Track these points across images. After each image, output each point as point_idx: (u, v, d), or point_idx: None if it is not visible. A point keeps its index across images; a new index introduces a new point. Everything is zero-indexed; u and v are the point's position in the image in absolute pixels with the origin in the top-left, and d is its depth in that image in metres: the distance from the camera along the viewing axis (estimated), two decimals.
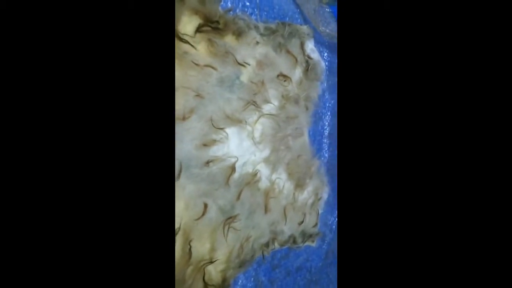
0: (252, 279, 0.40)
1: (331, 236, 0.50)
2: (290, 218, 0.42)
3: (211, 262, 0.34)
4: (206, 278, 0.33)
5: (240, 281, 0.38)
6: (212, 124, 0.33)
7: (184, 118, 0.31)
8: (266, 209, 0.38)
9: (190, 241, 0.32)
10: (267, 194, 0.39)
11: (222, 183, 0.34)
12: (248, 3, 0.39)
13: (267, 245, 0.39)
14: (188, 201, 0.32)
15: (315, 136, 0.48)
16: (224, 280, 0.35)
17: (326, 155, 0.49)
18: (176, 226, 0.32)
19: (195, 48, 0.32)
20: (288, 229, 0.42)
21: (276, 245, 0.41)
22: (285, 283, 0.43)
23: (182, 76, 0.31)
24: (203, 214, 0.33)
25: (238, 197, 0.35)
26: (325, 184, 0.47)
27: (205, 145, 0.33)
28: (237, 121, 0.35)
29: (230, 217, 0.35)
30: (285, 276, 0.44)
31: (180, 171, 0.31)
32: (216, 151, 0.34)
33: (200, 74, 0.32)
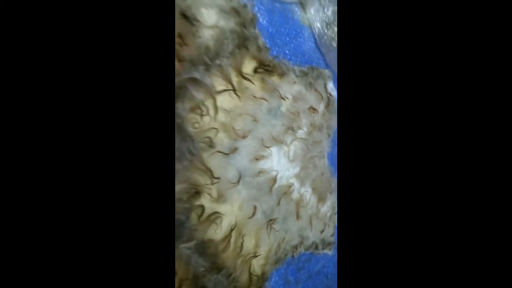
0: (283, 277, 0.46)
1: None
2: (315, 226, 0.49)
3: (255, 256, 0.41)
4: (251, 269, 0.40)
5: (273, 278, 0.45)
6: (262, 143, 0.42)
7: (244, 137, 0.40)
8: (297, 216, 0.46)
9: (243, 235, 0.39)
10: (298, 203, 0.47)
11: (267, 191, 0.42)
12: (287, 51, 0.50)
13: (296, 247, 0.47)
14: (242, 204, 0.40)
15: (332, 159, 0.57)
16: (263, 273, 0.42)
17: None
18: (232, 223, 0.39)
19: (254, 84, 0.42)
20: (312, 235, 0.49)
21: (302, 249, 0.48)
22: (307, 285, 0.50)
23: (244, 104, 0.41)
24: (253, 214, 0.40)
25: (278, 204, 0.43)
26: None
27: (256, 159, 0.41)
28: (279, 142, 0.44)
29: (271, 220, 0.42)
30: (307, 278, 0.50)
31: (239, 178, 0.39)
32: (263, 164, 0.42)
33: (256, 104, 0.42)
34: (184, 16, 0.35)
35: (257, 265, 0.42)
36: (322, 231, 0.51)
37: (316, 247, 0.50)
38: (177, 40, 0.34)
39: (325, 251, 0.52)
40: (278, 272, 0.46)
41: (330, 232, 0.53)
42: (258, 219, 0.41)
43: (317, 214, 0.50)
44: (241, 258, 0.39)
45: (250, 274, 0.40)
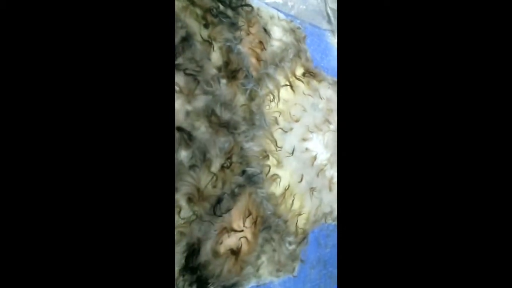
0: (316, 239, 0.57)
1: None
2: None
3: (300, 214, 0.52)
4: (297, 223, 0.51)
5: (310, 238, 0.56)
6: (308, 128, 0.55)
7: (296, 121, 0.53)
8: (329, 189, 0.58)
9: (294, 195, 0.51)
10: (330, 180, 0.59)
11: (310, 165, 0.55)
12: (323, 65, 0.64)
13: (327, 215, 0.58)
14: (293, 172, 0.52)
15: None
16: (304, 230, 0.53)
17: None
18: (286, 185, 0.51)
19: (303, 84, 0.55)
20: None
21: (331, 219, 0.60)
22: (332, 250, 0.60)
23: (296, 98, 0.54)
24: (301, 180, 0.52)
25: (317, 176, 0.55)
26: None
27: (303, 139, 0.54)
28: (318, 130, 0.57)
29: (312, 188, 0.54)
30: (332, 247, 0.61)
31: (293, 151, 0.51)
32: (307, 144, 0.55)
33: (304, 98, 0.55)
34: (265, 29, 0.49)
35: (300, 222, 0.53)
36: None
37: None
38: (259, 45, 0.48)
39: None
40: (313, 234, 0.57)
41: None
42: (303, 185, 0.53)
43: None
44: (291, 213, 0.51)
45: (296, 227, 0.51)
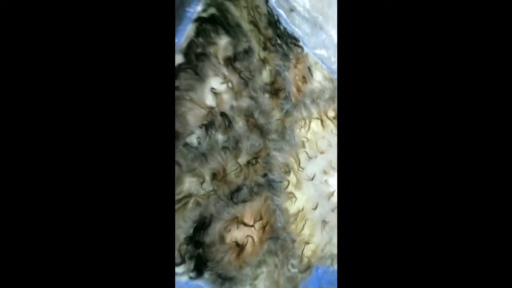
0: (319, 281, 0.53)
1: None
2: None
3: (308, 243, 0.51)
4: (303, 251, 0.49)
5: (312, 278, 0.52)
6: (331, 163, 0.57)
7: (321, 152, 0.56)
8: None
9: (306, 220, 0.50)
10: None
11: (326, 197, 0.55)
12: None
13: (333, 258, 0.55)
14: (309, 198, 0.53)
15: None
16: (309, 261, 0.51)
17: None
18: (301, 207, 0.51)
19: (333, 124, 0.61)
20: None
21: (336, 264, 0.56)
22: None
23: (324, 133, 0.59)
24: (316, 208, 0.52)
25: (332, 211, 0.55)
26: None
27: (325, 172, 0.56)
28: None
29: (325, 221, 0.54)
30: None
31: (313, 177, 0.53)
32: (327, 178, 0.57)
33: (332, 136, 0.59)
34: (309, 69, 0.58)
35: (307, 252, 0.51)
36: None
37: None
38: (302, 79, 0.56)
39: None
40: (317, 274, 0.53)
41: None
42: (317, 215, 0.53)
43: None
44: (300, 238, 0.50)
45: (302, 254, 0.49)
